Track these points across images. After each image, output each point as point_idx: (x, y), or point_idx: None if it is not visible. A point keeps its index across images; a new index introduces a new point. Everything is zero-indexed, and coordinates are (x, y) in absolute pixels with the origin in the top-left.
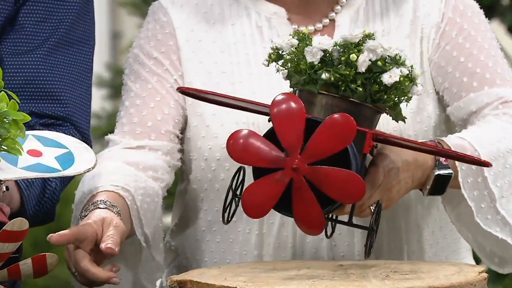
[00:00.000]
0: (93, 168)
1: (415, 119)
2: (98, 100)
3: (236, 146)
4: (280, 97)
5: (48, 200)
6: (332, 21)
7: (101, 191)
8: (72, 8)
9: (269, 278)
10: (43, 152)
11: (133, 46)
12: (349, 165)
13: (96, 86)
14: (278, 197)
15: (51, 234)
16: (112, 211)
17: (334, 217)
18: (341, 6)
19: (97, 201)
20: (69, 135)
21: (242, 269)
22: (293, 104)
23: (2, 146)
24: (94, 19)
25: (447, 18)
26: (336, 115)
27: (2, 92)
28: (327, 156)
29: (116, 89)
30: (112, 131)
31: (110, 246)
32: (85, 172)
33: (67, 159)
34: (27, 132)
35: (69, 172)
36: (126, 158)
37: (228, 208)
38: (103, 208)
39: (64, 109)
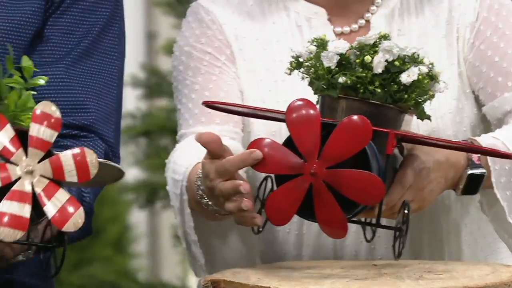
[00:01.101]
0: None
1: (454, 119)
2: (133, 100)
3: None
4: (294, 103)
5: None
6: (368, 22)
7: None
8: (98, 19)
9: (303, 278)
10: None
11: (180, 46)
12: (369, 166)
13: (131, 86)
14: (299, 203)
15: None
16: None
17: (365, 220)
18: (376, 6)
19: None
20: (94, 146)
21: (276, 268)
22: (308, 109)
23: None
24: (124, 31)
25: (482, 17)
26: (350, 117)
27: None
28: (345, 159)
29: (151, 89)
30: (147, 131)
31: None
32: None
33: None
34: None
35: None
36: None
37: None
38: None
39: (88, 119)
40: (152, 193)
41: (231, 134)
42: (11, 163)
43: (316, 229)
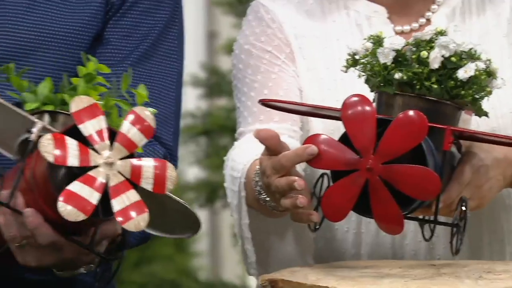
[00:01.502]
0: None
1: None
2: (194, 99)
3: None
4: (350, 100)
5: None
6: (428, 20)
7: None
8: (158, 21)
9: (361, 277)
10: None
11: (240, 44)
12: (425, 162)
13: (192, 85)
14: (355, 199)
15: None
16: None
17: (423, 217)
18: (437, 5)
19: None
20: (153, 150)
21: (333, 268)
22: (363, 105)
23: None
24: (183, 32)
25: None
26: (406, 112)
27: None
28: (400, 154)
29: (211, 88)
30: (207, 130)
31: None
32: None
33: None
34: None
35: None
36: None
37: None
38: None
39: None
40: (212, 192)
41: (290, 132)
42: (95, 150)
43: (375, 228)
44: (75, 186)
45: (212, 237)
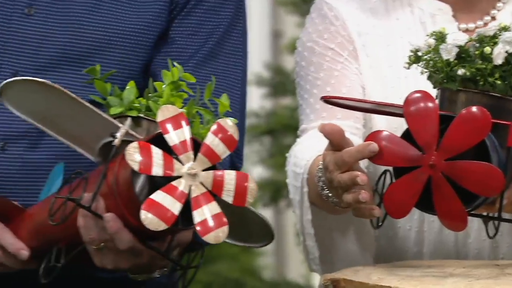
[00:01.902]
0: None
1: None
2: (258, 99)
3: None
4: (412, 96)
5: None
6: (493, 18)
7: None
8: (222, 20)
9: (424, 277)
10: None
11: (303, 41)
12: (488, 158)
13: (256, 85)
14: (418, 195)
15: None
16: None
17: (487, 214)
18: (503, 3)
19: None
20: None
21: (396, 267)
22: (426, 101)
23: None
24: (246, 30)
25: None
26: (469, 108)
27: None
28: (463, 150)
29: (275, 88)
30: (271, 130)
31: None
32: None
33: None
34: None
35: None
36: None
37: None
38: None
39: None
40: (276, 191)
41: (352, 129)
42: (179, 160)
43: (437, 226)
44: (158, 196)
45: (277, 236)
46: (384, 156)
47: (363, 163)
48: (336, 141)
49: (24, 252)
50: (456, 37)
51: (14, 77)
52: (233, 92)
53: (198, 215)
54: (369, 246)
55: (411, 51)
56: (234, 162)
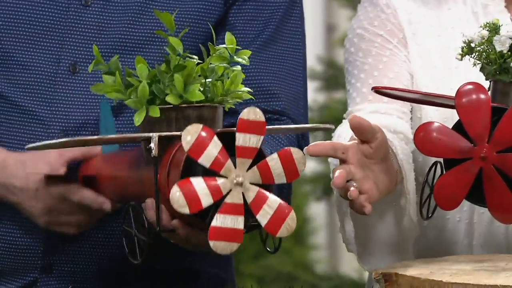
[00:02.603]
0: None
1: None
2: (311, 93)
3: (424, 139)
4: (464, 88)
5: (286, 192)
6: None
7: None
8: (280, 5)
9: (476, 272)
10: None
11: (353, 28)
12: None
13: (309, 78)
14: (468, 187)
15: (307, 147)
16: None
17: None
18: None
19: None
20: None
21: (447, 262)
22: (478, 93)
23: None
24: (303, 14)
25: None
26: None
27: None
28: None
29: (328, 82)
30: (324, 123)
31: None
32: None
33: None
34: None
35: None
36: (370, 120)
37: (426, 204)
38: None
39: (279, 104)
40: (329, 185)
41: (399, 113)
42: (221, 176)
43: (488, 218)
44: (218, 221)
45: (330, 230)
46: (435, 147)
47: (413, 155)
48: (360, 136)
49: (107, 205)
50: (510, 28)
51: (74, 68)
52: (296, 74)
53: (262, 218)
54: (409, 235)
55: (464, 42)
56: (301, 146)
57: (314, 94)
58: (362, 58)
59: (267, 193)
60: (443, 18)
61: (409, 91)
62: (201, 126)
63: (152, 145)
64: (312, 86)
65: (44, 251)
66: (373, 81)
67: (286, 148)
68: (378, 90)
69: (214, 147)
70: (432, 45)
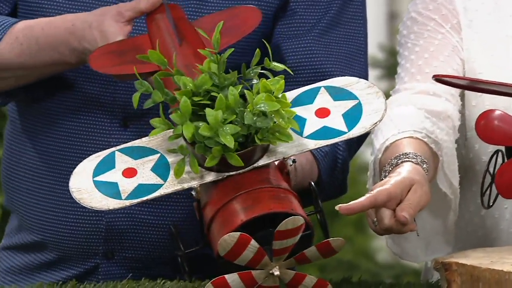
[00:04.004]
0: (380, 121)
1: None
2: (372, 80)
3: (486, 127)
4: None
5: (339, 171)
6: None
7: (405, 138)
8: None
9: None
10: (331, 110)
11: (408, 12)
12: None
13: (370, 67)
14: None
15: (339, 205)
16: (422, 168)
17: None
18: None
19: (403, 154)
20: None
21: (507, 251)
22: None
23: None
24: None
25: None
26: None
27: (262, 80)
28: None
29: (390, 70)
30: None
31: (405, 216)
32: (371, 129)
33: (354, 115)
34: (319, 84)
35: (354, 132)
36: (415, 102)
37: (487, 193)
38: (412, 162)
39: None
40: None
41: (447, 95)
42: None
43: None
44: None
45: None
46: (496, 135)
47: (469, 142)
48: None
49: None
50: None
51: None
52: (358, 58)
53: None
54: (449, 222)
55: None
56: (339, 156)
57: (375, 82)
58: (413, 40)
59: (304, 276)
60: (501, 6)
61: (471, 80)
62: (237, 235)
63: (193, 192)
64: (373, 74)
65: (106, 237)
66: (423, 62)
67: (324, 241)
68: (439, 79)
69: (251, 251)
70: (491, 33)
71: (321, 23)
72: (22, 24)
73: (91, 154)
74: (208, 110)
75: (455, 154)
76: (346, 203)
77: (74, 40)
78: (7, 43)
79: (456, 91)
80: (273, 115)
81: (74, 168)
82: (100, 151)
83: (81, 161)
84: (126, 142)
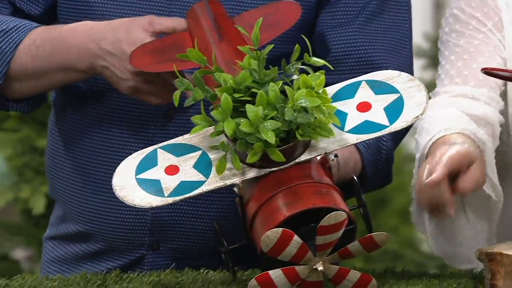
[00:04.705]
0: (421, 114)
1: None
2: (417, 71)
3: None
4: None
5: (383, 161)
6: None
7: (454, 133)
8: None
9: None
10: (372, 104)
11: (451, 7)
12: None
13: (415, 56)
14: None
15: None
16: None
17: None
18: None
19: (453, 144)
20: None
21: None
22: None
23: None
24: None
25: None
26: None
27: (303, 76)
28: None
29: (435, 60)
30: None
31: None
32: (413, 122)
33: (396, 108)
34: (360, 78)
35: (396, 126)
36: (456, 104)
37: None
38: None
39: None
40: None
41: (486, 98)
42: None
43: None
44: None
45: None
46: None
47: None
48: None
49: None
50: None
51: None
52: (403, 46)
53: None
54: (494, 225)
55: None
56: (384, 148)
57: (420, 72)
58: (454, 39)
59: (348, 270)
60: None
61: None
62: (280, 231)
63: (235, 189)
64: (418, 64)
65: (152, 229)
66: (462, 64)
67: (368, 235)
68: (488, 72)
69: (294, 247)
70: None
71: (365, 11)
72: (42, 28)
73: (137, 145)
74: (248, 106)
75: (494, 160)
76: (391, 192)
77: (89, 41)
78: (25, 45)
79: (496, 94)
80: (313, 111)
81: (119, 158)
82: (146, 142)
83: (126, 152)
84: (171, 133)
